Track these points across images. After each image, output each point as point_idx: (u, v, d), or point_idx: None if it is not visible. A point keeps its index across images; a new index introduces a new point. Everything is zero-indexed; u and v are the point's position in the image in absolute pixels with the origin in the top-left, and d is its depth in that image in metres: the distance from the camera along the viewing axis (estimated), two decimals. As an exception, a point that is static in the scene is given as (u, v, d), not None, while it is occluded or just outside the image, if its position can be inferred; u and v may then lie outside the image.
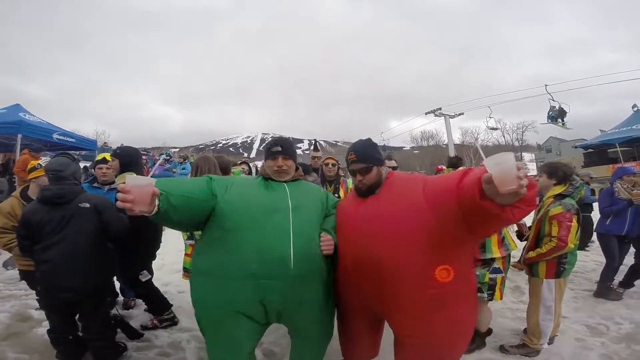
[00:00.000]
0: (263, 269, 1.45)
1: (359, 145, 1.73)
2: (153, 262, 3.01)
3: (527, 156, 50.85)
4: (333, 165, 3.53)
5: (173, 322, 2.89)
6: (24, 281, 2.78)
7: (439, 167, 6.08)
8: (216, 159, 2.79)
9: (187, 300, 3.11)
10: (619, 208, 3.64)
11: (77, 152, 10.19)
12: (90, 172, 5.48)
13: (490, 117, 13.74)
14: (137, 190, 1.23)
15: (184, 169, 10.23)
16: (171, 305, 2.95)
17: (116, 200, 2.53)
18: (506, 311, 3.28)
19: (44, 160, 3.35)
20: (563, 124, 13.10)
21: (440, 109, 16.17)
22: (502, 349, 2.58)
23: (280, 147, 1.72)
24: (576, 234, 2.43)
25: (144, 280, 2.72)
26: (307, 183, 1.85)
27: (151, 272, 2.87)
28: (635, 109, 21.85)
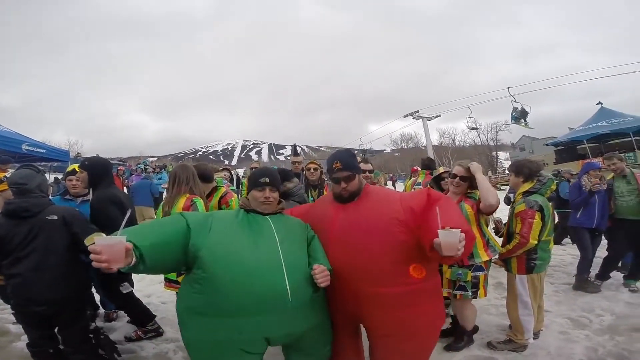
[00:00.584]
0: (262, 306, 1.42)
1: (343, 154, 1.85)
2: (133, 273, 2.90)
3: (502, 155, 52.62)
4: (315, 169, 3.53)
5: (158, 332, 2.83)
6: (-1, 296, 2.66)
7: (414, 168, 6.21)
8: (198, 167, 2.72)
9: (170, 310, 3.12)
10: (583, 198, 3.81)
11: (49, 163, 9.79)
12: (62, 184, 5.25)
13: (470, 117, 14.26)
14: (108, 249, 1.21)
15: (160, 178, 9.92)
16: (155, 316, 2.89)
17: (91, 209, 2.48)
18: (490, 307, 3.35)
19: (11, 172, 3.19)
20: (525, 123, 13.96)
21: (418, 111, 16.59)
22: (490, 345, 2.61)
23: (267, 179, 1.68)
24: (542, 230, 2.46)
25: (125, 292, 2.64)
26: (287, 216, 1.81)
27: (132, 284, 2.80)
28: (599, 105, 23.14)
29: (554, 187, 2.72)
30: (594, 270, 3.91)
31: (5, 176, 2.86)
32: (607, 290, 3.68)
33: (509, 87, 12.87)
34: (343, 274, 1.63)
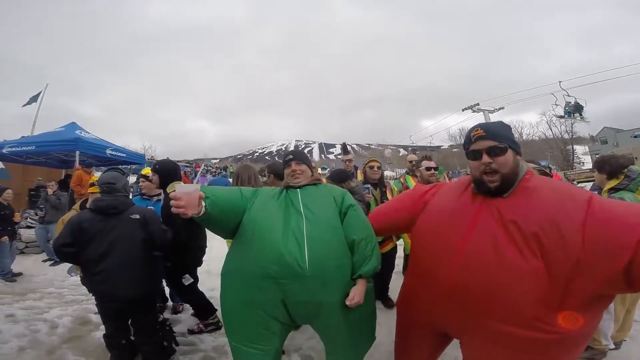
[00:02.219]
0: (281, 270, 1.53)
1: (493, 123, 1.38)
2: (199, 267, 3.10)
3: (580, 149, 46.91)
4: (378, 167, 3.42)
5: (217, 326, 2.95)
6: (85, 286, 2.95)
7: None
8: (272, 165, 3.01)
9: None
10: None
11: (128, 166, 10.92)
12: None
13: (557, 105, 12.89)
14: (186, 196, 1.41)
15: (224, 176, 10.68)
16: (216, 310, 2.99)
17: (162, 210, 2.72)
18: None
19: (97, 175, 3.60)
20: (582, 118, 12.91)
21: (478, 104, 15.46)
22: None
23: (292, 155, 1.95)
24: None
25: (186, 283, 2.81)
26: (324, 185, 1.95)
27: (195, 277, 2.96)
28: None
29: None
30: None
31: (95, 181, 3.26)
32: None
33: (560, 81, 11.91)
34: (462, 295, 1.25)
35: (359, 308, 1.59)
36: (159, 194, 3.13)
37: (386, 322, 2.47)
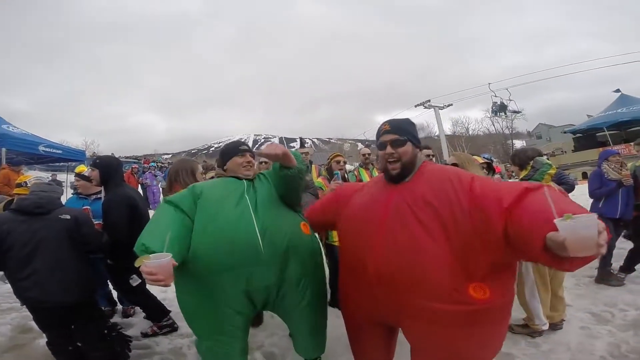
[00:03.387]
0: (236, 257, 1.51)
1: (399, 119, 1.56)
2: None
3: (518, 143, 51.14)
4: (345, 162, 3.46)
5: (173, 328, 2.87)
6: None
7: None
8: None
9: None
10: (609, 189, 3.63)
11: (67, 164, 10.03)
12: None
13: (511, 100, 14.23)
14: (161, 270, 1.30)
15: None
16: (169, 311, 2.93)
17: (103, 207, 2.53)
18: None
19: (31, 177, 3.27)
20: (506, 115, 15.39)
21: (429, 101, 16.29)
22: (510, 327, 2.63)
23: (246, 146, 1.91)
24: None
25: (134, 284, 2.69)
26: (262, 180, 1.88)
27: (142, 278, 2.82)
28: (618, 93, 22.39)
29: (552, 171, 2.67)
30: (617, 262, 3.74)
31: (26, 182, 2.94)
32: (631, 283, 3.51)
33: (489, 83, 13.99)
34: (392, 280, 1.34)
35: (314, 282, 1.72)
36: (98, 192, 2.91)
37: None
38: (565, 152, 23.64)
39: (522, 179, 2.67)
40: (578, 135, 25.08)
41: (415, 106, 16.48)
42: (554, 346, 2.45)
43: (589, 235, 0.89)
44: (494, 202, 1.20)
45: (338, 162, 3.43)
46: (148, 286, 2.88)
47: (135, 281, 2.70)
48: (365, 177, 3.54)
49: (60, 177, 9.83)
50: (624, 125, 21.37)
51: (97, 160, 2.78)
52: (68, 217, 2.13)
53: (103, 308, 3.04)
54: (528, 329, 2.58)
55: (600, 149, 17.76)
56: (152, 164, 12.82)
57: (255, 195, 1.70)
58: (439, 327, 1.30)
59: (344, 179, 3.28)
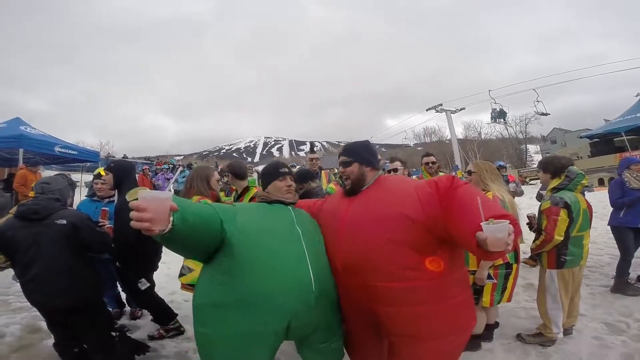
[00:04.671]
0: (288, 293, 1.42)
1: (354, 143, 1.86)
2: (157, 271, 2.99)
3: (532, 148, 50.31)
4: None
5: (179, 331, 2.87)
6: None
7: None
8: (232, 164, 2.91)
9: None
10: (632, 199, 3.52)
11: (82, 164, 10.24)
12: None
13: (539, 102, 14.11)
14: (155, 205, 1.09)
15: (184, 177, 10.18)
16: (176, 314, 2.93)
17: (115, 211, 2.57)
18: (520, 310, 3.18)
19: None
20: (505, 122, 16.13)
21: (441, 104, 16.14)
22: (520, 337, 2.63)
23: (286, 169, 1.83)
24: (570, 226, 2.48)
25: (142, 288, 2.70)
26: (300, 209, 1.82)
27: (151, 282, 2.85)
28: (638, 97, 21.80)
29: (585, 182, 2.64)
30: (634, 271, 3.62)
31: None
32: None
33: (489, 90, 14.32)
34: (354, 270, 1.55)
35: (338, 317, 1.68)
36: (112, 196, 2.96)
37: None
38: (582, 157, 23.04)
39: (553, 188, 2.62)
40: (595, 140, 24.41)
41: (427, 110, 16.34)
42: (566, 356, 2.39)
43: (502, 237, 1.16)
44: (433, 198, 1.47)
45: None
46: (157, 290, 2.94)
47: (143, 285, 2.71)
48: None
49: (75, 177, 10.06)
50: (643, 130, 20.73)
51: (112, 164, 2.81)
52: (64, 222, 2.13)
53: (111, 310, 3.07)
54: (541, 338, 2.53)
55: (618, 155, 17.33)
56: (165, 166, 12.98)
57: (305, 227, 1.64)
58: (408, 305, 1.46)
59: None
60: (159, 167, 13.44)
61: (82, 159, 8.84)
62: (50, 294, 2.04)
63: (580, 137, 28.57)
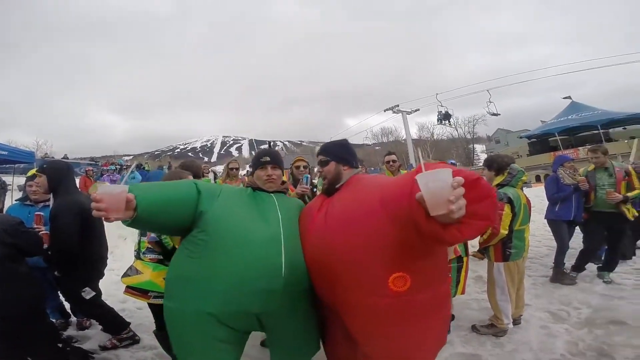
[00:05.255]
0: (255, 274, 1.41)
1: (330, 142, 1.84)
2: (106, 278, 2.81)
3: (479, 147, 54.06)
4: (305, 167, 3.42)
5: (134, 340, 2.71)
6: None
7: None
8: (185, 163, 2.74)
9: (147, 317, 2.94)
10: (566, 194, 3.87)
11: (14, 165, 9.24)
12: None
13: (490, 102, 15.01)
14: (108, 198, 1.24)
15: (133, 178, 9.43)
16: (129, 323, 2.76)
17: (50, 216, 2.32)
18: (472, 302, 3.37)
19: None
20: (450, 124, 17.12)
21: (397, 105, 16.73)
22: (474, 328, 2.78)
23: (268, 157, 1.77)
24: (513, 220, 2.63)
25: (87, 297, 2.50)
26: (289, 197, 1.84)
27: (97, 290, 2.66)
28: (569, 100, 24.42)
29: (525, 178, 2.86)
30: (569, 261, 3.99)
31: None
32: (582, 282, 3.76)
33: (437, 94, 15.32)
34: (317, 275, 1.49)
35: (313, 314, 1.65)
36: (47, 200, 2.68)
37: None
38: (521, 156, 25.21)
39: (497, 185, 2.80)
40: (532, 140, 26.82)
41: (385, 110, 16.88)
42: (518, 346, 2.56)
43: (437, 189, 0.85)
44: (400, 193, 1.22)
45: (297, 167, 3.41)
46: (104, 298, 2.74)
47: (88, 294, 2.51)
48: None
49: (7, 180, 9.04)
50: (573, 130, 23.20)
51: (45, 166, 2.57)
52: None
53: (55, 321, 2.85)
54: (494, 329, 2.70)
55: (552, 154, 19.19)
56: (112, 167, 12.04)
57: (286, 215, 1.61)
58: (369, 320, 1.36)
59: (312, 184, 3.25)
60: (105, 168, 12.43)
61: (14, 159, 7.95)
62: None
63: (520, 137, 31.25)
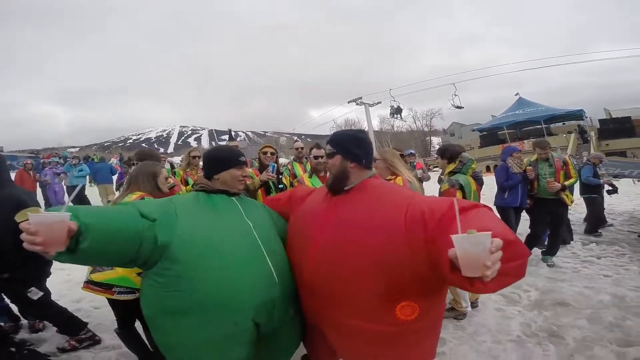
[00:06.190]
0: (250, 292, 1.33)
1: (341, 131, 1.57)
2: (56, 278, 2.72)
3: (435, 139, 56.60)
4: (272, 154, 3.39)
5: (94, 340, 2.58)
6: None
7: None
8: (144, 151, 2.64)
9: (106, 315, 2.84)
10: (514, 182, 4.18)
11: None
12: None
13: (455, 95, 15.70)
14: (45, 230, 0.97)
15: (81, 170, 8.70)
16: (86, 323, 2.63)
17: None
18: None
19: None
20: (401, 118, 18.35)
21: (361, 98, 17.01)
22: None
23: (244, 157, 1.64)
24: None
25: (35, 298, 2.34)
26: (246, 197, 1.73)
27: (45, 290, 2.49)
28: (517, 96, 26.45)
29: (474, 166, 3.05)
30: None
31: None
32: (529, 266, 3.96)
33: (390, 89, 16.35)
34: (315, 291, 1.37)
35: (299, 315, 1.58)
36: None
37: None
38: (473, 147, 26.78)
39: (449, 172, 2.98)
40: (484, 133, 28.63)
41: (348, 102, 17.08)
42: (477, 328, 2.75)
43: (475, 253, 0.81)
44: (421, 225, 1.13)
45: (265, 153, 3.38)
46: (56, 299, 2.59)
47: (35, 294, 2.34)
48: (299, 171, 3.56)
49: None
50: (519, 125, 25.21)
51: None
52: None
53: (3, 325, 2.65)
54: (454, 312, 2.87)
55: (501, 146, 20.63)
56: (54, 159, 11.01)
57: (254, 220, 1.52)
58: (359, 343, 1.30)
59: (278, 172, 3.24)
60: (46, 160, 11.32)
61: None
62: None
63: (473, 131, 33.16)
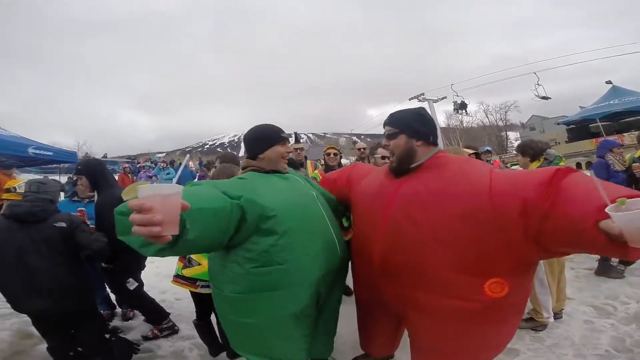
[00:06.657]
0: (322, 264, 1.38)
1: (401, 110, 1.50)
2: (146, 270, 2.95)
3: (512, 135, 51.56)
4: (335, 154, 3.43)
5: (173, 330, 2.85)
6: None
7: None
8: (226, 155, 2.88)
9: (186, 307, 3.13)
10: (618, 181, 3.58)
11: (59, 165, 9.86)
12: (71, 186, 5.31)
13: (539, 85, 14.40)
14: (160, 204, 0.79)
15: (168, 174, 9.79)
16: (169, 313, 2.90)
17: (95, 211, 2.46)
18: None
19: (20, 181, 3.20)
20: (466, 113, 17.11)
21: (423, 94, 16.29)
22: None
23: (285, 133, 1.58)
24: None
25: (131, 288, 2.65)
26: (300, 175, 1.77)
27: (139, 281, 2.80)
28: (610, 84, 22.94)
29: (563, 163, 2.72)
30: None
31: (14, 187, 2.86)
32: (631, 275, 3.50)
33: (452, 84, 15.37)
34: (395, 273, 1.34)
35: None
36: (93, 196, 2.85)
37: (345, 313, 2.47)
38: (559, 143, 23.83)
39: None
40: (571, 126, 25.31)
41: (410, 99, 16.46)
42: (559, 340, 2.44)
43: None
44: (514, 197, 1.07)
45: (328, 154, 3.40)
46: (146, 289, 2.88)
47: (132, 284, 2.65)
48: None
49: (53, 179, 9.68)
50: (616, 116, 21.76)
51: (79, 167, 2.70)
52: (64, 225, 2.06)
53: (102, 312, 3.02)
54: (533, 323, 2.59)
55: (594, 140, 17.98)
56: (147, 163, 12.57)
57: (317, 194, 1.55)
58: (447, 323, 1.27)
59: None
60: (142, 164, 12.98)
61: (59, 160, 8.46)
62: (45, 298, 1.97)
63: (558, 124, 29.49)
